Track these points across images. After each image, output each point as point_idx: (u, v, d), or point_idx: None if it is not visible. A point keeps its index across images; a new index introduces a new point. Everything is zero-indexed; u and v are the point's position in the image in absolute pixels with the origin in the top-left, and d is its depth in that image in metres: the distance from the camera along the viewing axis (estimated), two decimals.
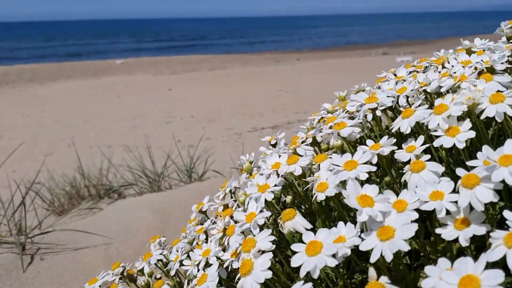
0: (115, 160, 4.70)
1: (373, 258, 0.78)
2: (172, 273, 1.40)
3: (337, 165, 1.02)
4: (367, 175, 0.98)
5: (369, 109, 1.20)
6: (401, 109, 1.12)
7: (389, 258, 0.77)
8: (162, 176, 3.90)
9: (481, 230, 0.79)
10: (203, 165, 4.08)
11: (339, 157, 1.04)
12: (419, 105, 1.09)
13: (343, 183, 1.05)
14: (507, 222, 0.77)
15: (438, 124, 0.96)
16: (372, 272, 0.79)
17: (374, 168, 1.00)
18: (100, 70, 17.50)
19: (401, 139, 1.13)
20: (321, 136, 1.32)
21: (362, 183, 0.92)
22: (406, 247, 0.77)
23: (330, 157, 1.13)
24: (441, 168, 0.92)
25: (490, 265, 0.74)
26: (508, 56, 1.15)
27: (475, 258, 0.72)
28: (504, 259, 0.70)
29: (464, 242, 0.80)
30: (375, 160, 1.01)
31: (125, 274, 1.51)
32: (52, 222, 3.14)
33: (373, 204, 0.84)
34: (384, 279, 0.77)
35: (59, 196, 3.77)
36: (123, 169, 4.20)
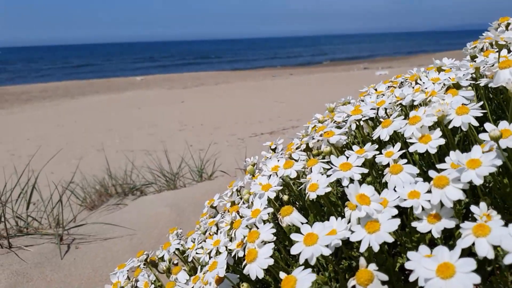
0: (137, 163, 4.70)
1: (362, 248, 0.78)
2: (190, 259, 1.40)
3: (334, 165, 1.02)
4: (360, 176, 0.98)
5: (355, 119, 1.20)
6: (381, 119, 1.13)
7: (376, 248, 0.77)
8: (177, 176, 3.90)
9: (450, 223, 0.79)
10: (212, 166, 4.08)
11: (336, 158, 1.04)
12: (396, 116, 1.10)
13: (332, 185, 1.05)
14: (474, 215, 0.78)
15: (413, 132, 0.97)
16: (362, 261, 0.78)
17: (366, 170, 1.00)
18: (123, 86, 17.49)
19: (381, 145, 1.13)
20: (313, 142, 1.33)
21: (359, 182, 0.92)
22: (390, 239, 0.77)
23: (321, 162, 1.13)
24: (416, 170, 0.92)
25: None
26: (471, 73, 1.15)
27: (444, 246, 0.72)
28: (469, 246, 0.70)
29: (436, 234, 0.80)
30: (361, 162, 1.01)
31: (148, 260, 1.51)
32: (85, 216, 3.15)
33: (370, 202, 0.84)
34: (372, 266, 0.77)
35: (90, 194, 3.77)
36: (144, 170, 4.21)
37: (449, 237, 0.94)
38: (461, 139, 1.12)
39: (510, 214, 0.95)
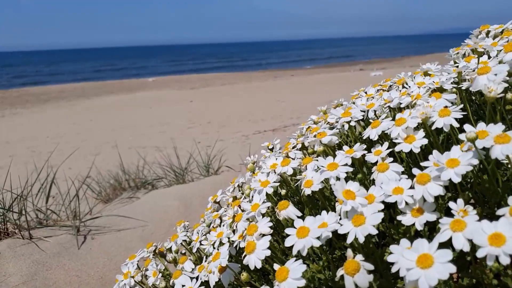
0: (149, 159, 4.73)
1: (348, 240, 0.79)
2: (194, 250, 1.42)
3: (322, 166, 1.03)
4: (345, 175, 0.99)
5: (345, 121, 1.21)
6: (371, 120, 1.13)
7: (361, 240, 0.78)
8: (186, 171, 3.91)
9: (432, 217, 0.80)
10: (218, 162, 4.09)
11: (324, 159, 1.05)
12: (385, 118, 1.10)
13: (326, 181, 1.06)
14: (452, 211, 0.79)
15: (399, 133, 0.97)
16: (349, 252, 0.79)
17: (351, 169, 1.01)
18: (135, 87, 17.52)
19: (370, 144, 1.14)
20: (308, 142, 1.34)
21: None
22: (374, 231, 0.78)
23: (315, 160, 1.14)
24: (401, 168, 0.93)
25: (440, 244, 0.75)
26: (454, 78, 1.15)
27: (428, 238, 0.73)
28: (450, 239, 0.71)
29: (419, 227, 0.81)
30: (350, 161, 1.02)
31: (157, 251, 1.53)
32: (100, 209, 3.17)
33: (355, 197, 0.85)
34: (359, 257, 0.78)
35: (105, 188, 3.79)
36: (155, 166, 4.22)
37: (434, 229, 0.95)
38: (445, 138, 1.13)
39: (489, 208, 0.96)
